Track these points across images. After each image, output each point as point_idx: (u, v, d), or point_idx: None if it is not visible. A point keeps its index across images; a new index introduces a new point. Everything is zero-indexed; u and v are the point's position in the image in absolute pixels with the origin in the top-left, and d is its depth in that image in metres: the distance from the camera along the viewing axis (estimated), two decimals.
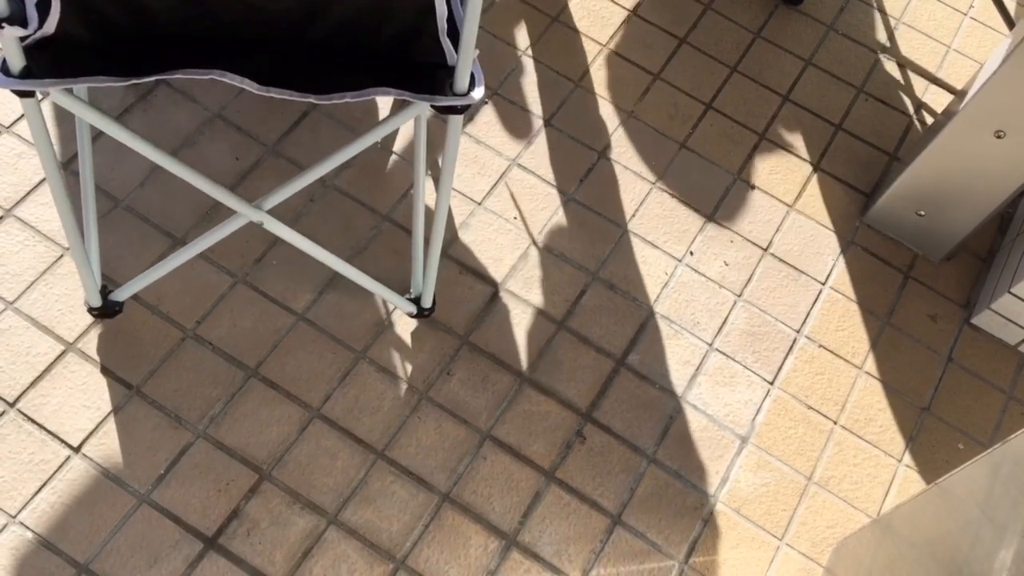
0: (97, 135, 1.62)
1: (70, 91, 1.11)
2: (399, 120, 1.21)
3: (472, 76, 1.13)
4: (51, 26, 1.01)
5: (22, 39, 1.01)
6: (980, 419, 1.66)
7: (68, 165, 1.59)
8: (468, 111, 1.56)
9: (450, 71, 1.13)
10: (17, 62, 1.02)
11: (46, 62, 1.04)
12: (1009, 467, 1.05)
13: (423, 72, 1.13)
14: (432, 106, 1.15)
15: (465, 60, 1.10)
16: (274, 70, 1.11)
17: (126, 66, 1.07)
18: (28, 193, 1.55)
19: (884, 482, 1.58)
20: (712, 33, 1.99)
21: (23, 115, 1.62)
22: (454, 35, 1.13)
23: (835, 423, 1.61)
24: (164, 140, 1.64)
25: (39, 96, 1.08)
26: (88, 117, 1.13)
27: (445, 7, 1.06)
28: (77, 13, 1.01)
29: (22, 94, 1.06)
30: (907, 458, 1.60)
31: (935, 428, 1.64)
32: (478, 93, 1.14)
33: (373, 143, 1.24)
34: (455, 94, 1.14)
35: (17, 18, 0.96)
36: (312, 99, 1.11)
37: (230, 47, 1.10)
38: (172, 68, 1.08)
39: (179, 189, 1.60)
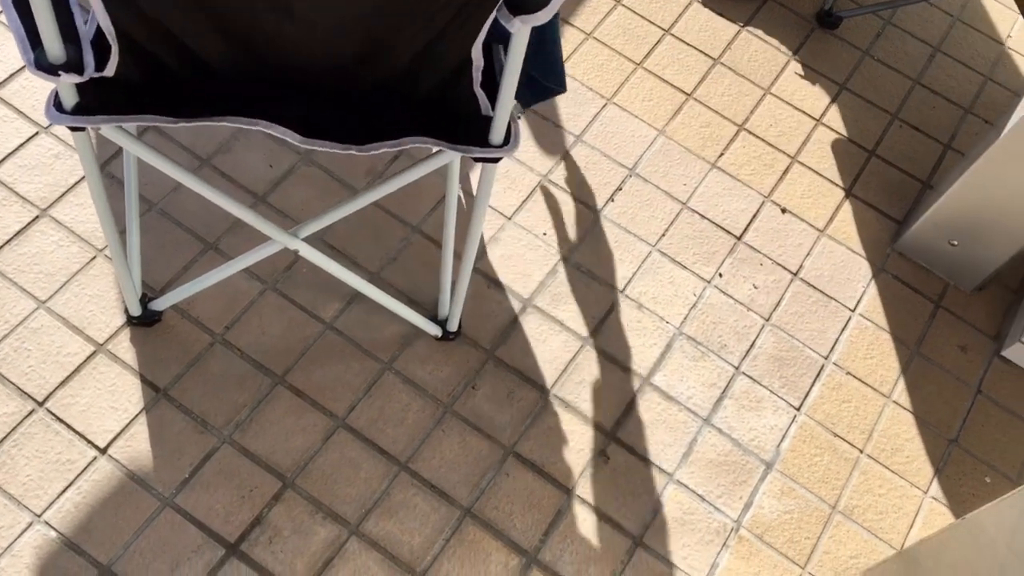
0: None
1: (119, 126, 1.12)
2: (433, 164, 1.20)
3: (509, 128, 1.12)
4: (109, 71, 1.03)
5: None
6: (1009, 453, 1.64)
7: (104, 167, 1.60)
8: None
9: (486, 121, 1.12)
10: (70, 100, 1.04)
11: (97, 99, 1.05)
12: None
13: (460, 121, 1.13)
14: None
15: (502, 113, 1.09)
16: (316, 121, 1.12)
17: (175, 107, 1.08)
18: (64, 194, 1.57)
19: (909, 513, 1.56)
20: (747, 54, 1.98)
21: None
22: (493, 85, 1.13)
23: (861, 452, 1.60)
24: (200, 146, 1.65)
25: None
26: (134, 150, 1.14)
27: (481, 58, 1.05)
28: (132, 58, 1.03)
29: (74, 129, 1.07)
30: (933, 489, 1.59)
31: (962, 460, 1.62)
32: (513, 147, 1.13)
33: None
34: (491, 145, 1.13)
35: (74, 65, 0.97)
36: (353, 151, 1.12)
37: (278, 95, 1.11)
38: (219, 114, 1.09)
39: None
